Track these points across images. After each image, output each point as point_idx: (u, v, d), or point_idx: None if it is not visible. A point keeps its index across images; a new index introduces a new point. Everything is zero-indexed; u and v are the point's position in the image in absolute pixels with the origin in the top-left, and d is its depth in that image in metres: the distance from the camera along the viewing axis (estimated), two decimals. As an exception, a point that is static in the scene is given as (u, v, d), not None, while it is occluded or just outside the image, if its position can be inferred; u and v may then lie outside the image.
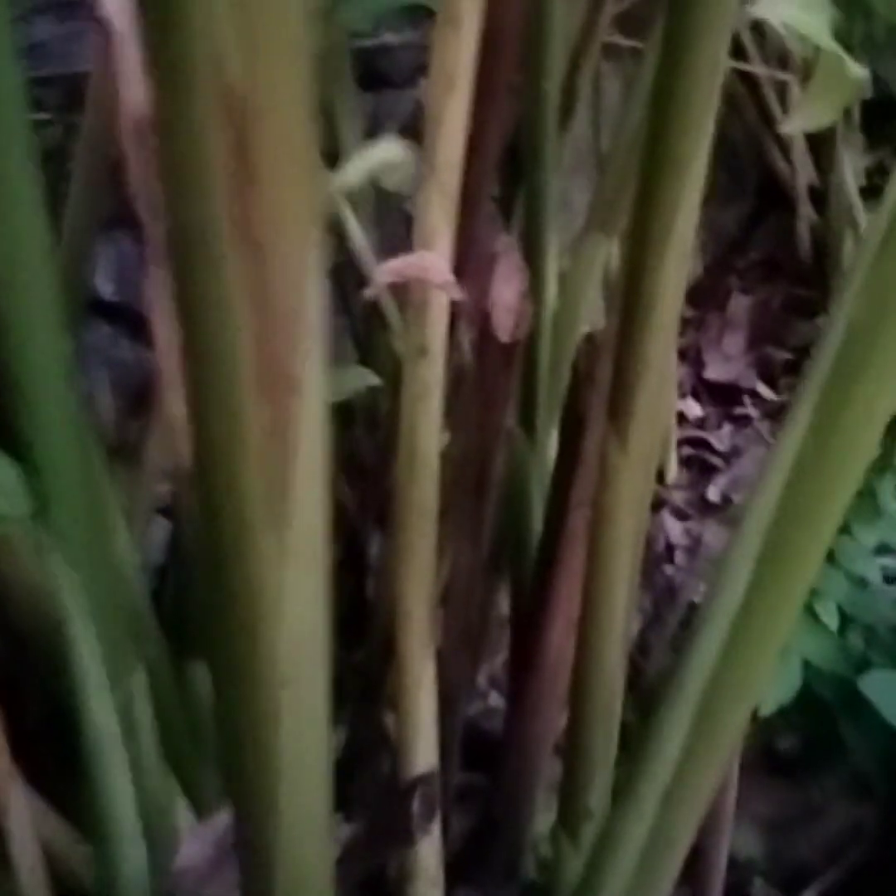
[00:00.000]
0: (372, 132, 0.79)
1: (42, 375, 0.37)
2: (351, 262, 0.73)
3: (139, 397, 0.87)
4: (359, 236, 0.69)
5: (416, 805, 0.50)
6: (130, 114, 0.51)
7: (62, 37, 0.89)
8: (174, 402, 0.63)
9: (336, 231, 0.70)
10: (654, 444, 0.54)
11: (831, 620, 0.85)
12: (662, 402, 0.55)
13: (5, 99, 0.38)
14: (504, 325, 0.52)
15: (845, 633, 0.86)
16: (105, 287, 0.91)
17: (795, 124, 0.51)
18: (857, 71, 0.48)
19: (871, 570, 0.88)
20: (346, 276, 0.78)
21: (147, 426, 0.70)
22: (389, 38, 0.90)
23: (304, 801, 0.37)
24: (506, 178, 0.78)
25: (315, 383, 0.32)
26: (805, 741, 0.90)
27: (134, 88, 0.49)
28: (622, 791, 0.47)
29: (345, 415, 0.82)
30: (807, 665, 0.84)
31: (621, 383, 0.52)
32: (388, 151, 0.52)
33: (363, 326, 0.85)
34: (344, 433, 0.84)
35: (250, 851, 0.38)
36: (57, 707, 0.58)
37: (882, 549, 0.89)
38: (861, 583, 0.87)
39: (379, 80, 0.92)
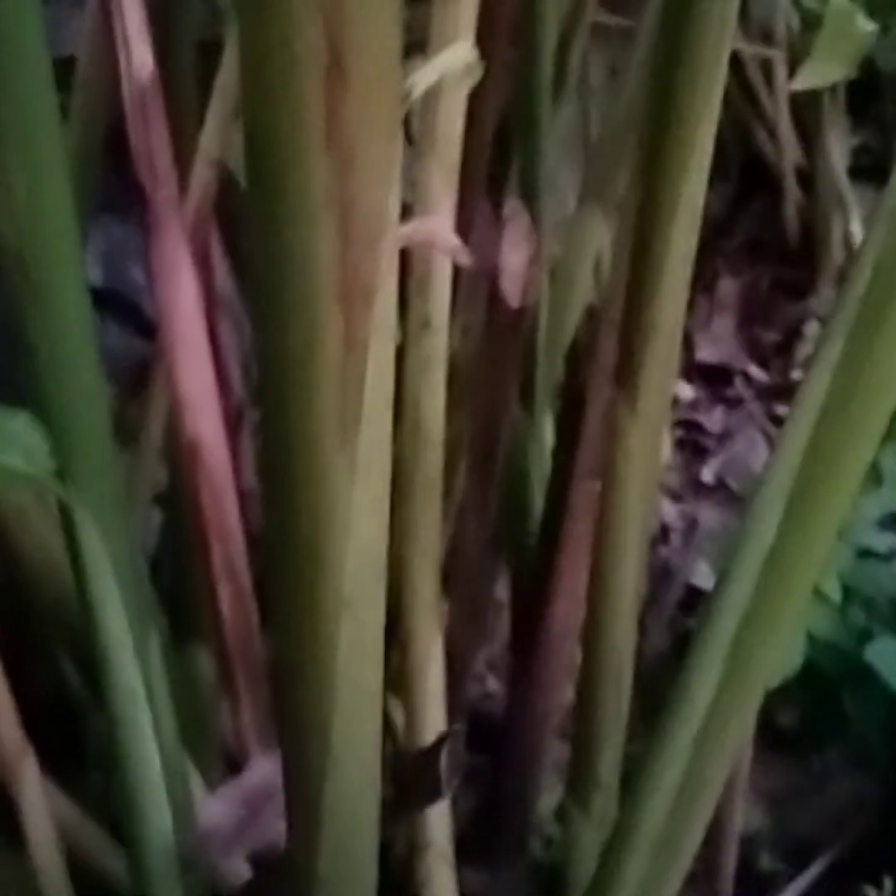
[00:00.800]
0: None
1: (64, 331, 0.36)
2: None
3: (131, 383, 0.86)
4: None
5: (442, 760, 0.50)
6: (133, 78, 0.50)
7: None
8: (173, 385, 0.62)
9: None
10: (665, 408, 0.53)
11: (834, 593, 0.85)
12: (671, 366, 0.55)
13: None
14: (513, 291, 0.52)
15: (847, 605, 0.85)
16: (93, 272, 0.89)
17: (805, 80, 0.51)
18: (866, 26, 0.48)
19: (874, 541, 0.87)
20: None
21: (142, 411, 0.69)
22: None
23: (357, 735, 0.37)
24: (497, 155, 0.77)
25: (388, 297, 0.31)
26: (807, 714, 0.90)
27: (137, 50, 0.48)
28: (654, 736, 0.47)
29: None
30: (809, 638, 0.84)
31: (630, 348, 0.52)
32: (460, 53, 0.52)
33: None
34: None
35: (299, 795, 0.38)
36: (67, 685, 0.57)
37: (885, 521, 0.89)
38: (864, 554, 0.87)
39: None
